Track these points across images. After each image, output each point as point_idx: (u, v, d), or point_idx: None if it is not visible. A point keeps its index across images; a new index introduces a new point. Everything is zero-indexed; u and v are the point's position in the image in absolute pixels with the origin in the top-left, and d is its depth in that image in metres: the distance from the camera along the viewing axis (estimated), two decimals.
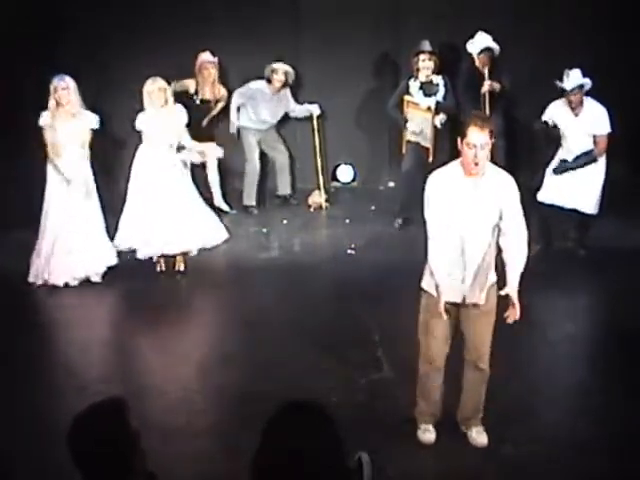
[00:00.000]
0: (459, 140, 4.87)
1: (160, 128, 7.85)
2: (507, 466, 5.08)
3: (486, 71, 9.24)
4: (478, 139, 4.78)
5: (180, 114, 7.99)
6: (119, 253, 7.97)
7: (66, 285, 7.80)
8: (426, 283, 5.11)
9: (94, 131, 7.80)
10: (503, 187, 4.93)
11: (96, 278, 7.93)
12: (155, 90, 7.81)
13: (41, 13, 9.70)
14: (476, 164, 4.80)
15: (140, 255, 7.97)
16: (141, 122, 7.90)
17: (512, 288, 4.90)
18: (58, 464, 3.00)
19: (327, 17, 10.35)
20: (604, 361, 6.39)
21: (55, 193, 7.77)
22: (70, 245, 7.77)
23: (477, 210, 4.88)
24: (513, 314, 4.94)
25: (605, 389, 5.92)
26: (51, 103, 7.65)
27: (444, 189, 4.90)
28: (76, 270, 7.82)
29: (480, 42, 9.30)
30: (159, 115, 7.85)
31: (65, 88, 7.62)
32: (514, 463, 5.09)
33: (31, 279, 7.84)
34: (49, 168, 7.74)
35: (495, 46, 9.31)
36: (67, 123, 7.66)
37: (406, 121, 9.19)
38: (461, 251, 4.93)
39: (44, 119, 7.66)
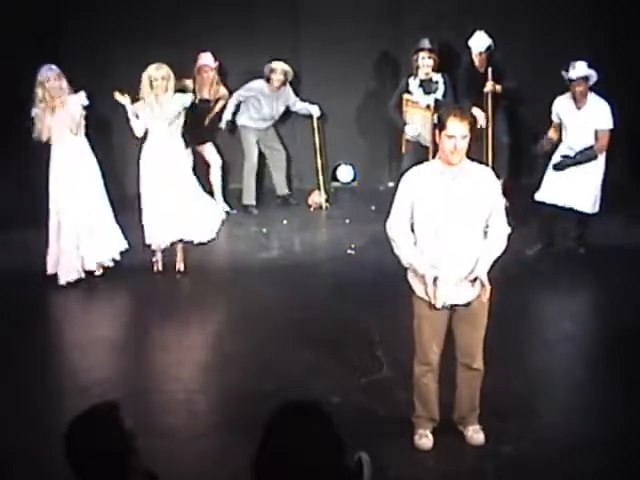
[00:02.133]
0: (437, 133, 4.87)
1: (157, 117, 7.68)
2: (507, 466, 5.07)
3: (489, 70, 9.24)
4: (458, 130, 4.77)
5: (178, 100, 7.75)
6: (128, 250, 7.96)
7: (80, 276, 7.74)
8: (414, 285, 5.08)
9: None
10: (486, 181, 4.94)
11: (109, 263, 7.91)
12: (159, 78, 7.58)
13: (41, 13, 9.69)
14: (456, 152, 4.77)
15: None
16: (139, 111, 7.72)
17: (478, 272, 4.88)
18: (58, 464, 2.99)
19: (327, 17, 10.34)
20: (604, 361, 6.39)
21: (58, 183, 7.66)
22: (81, 234, 7.68)
23: (457, 202, 4.83)
24: (483, 294, 4.92)
25: (605, 389, 5.92)
26: (40, 95, 7.48)
27: (420, 182, 4.89)
28: (88, 259, 7.76)
29: (482, 41, 9.31)
30: (156, 104, 7.66)
31: (57, 79, 7.46)
32: (514, 462, 5.08)
33: (50, 270, 7.74)
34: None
35: (493, 45, 9.33)
36: (59, 112, 7.53)
37: (405, 123, 9.20)
38: (443, 249, 4.87)
39: (37, 114, 7.55)
